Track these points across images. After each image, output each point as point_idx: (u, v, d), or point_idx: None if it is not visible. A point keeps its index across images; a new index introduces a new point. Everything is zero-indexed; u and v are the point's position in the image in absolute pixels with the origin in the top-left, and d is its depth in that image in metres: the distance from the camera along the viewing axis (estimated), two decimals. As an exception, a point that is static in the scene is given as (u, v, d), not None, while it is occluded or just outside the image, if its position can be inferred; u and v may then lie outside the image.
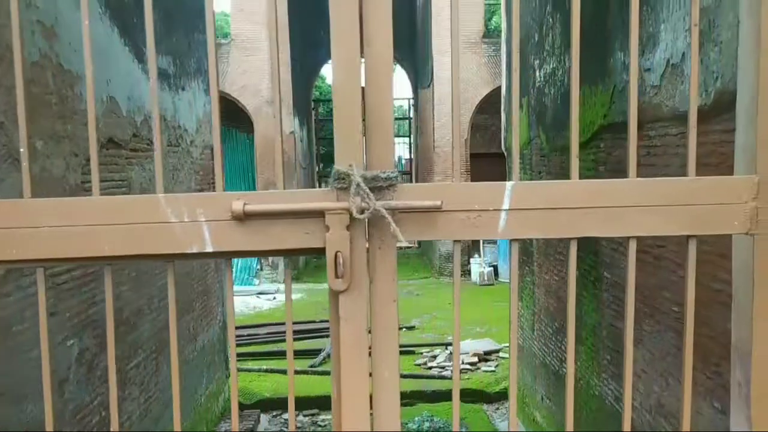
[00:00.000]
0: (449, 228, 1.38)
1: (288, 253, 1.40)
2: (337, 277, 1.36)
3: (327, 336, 9.80)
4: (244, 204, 1.33)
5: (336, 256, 1.35)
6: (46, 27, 3.13)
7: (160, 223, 1.35)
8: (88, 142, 3.83)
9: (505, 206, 1.38)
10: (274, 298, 13.09)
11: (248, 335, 9.57)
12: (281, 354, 9.04)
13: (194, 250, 1.36)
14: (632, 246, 1.39)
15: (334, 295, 1.39)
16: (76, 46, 3.42)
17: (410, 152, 21.65)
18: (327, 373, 8.24)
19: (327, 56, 19.58)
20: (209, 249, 1.36)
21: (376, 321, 1.40)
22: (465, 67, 14.71)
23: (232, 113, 14.26)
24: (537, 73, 5.85)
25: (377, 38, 1.34)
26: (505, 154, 7.15)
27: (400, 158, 28.46)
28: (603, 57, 4.14)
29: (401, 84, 21.92)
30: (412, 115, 21.50)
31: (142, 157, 4.53)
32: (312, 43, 17.10)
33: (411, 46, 18.12)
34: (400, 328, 10.58)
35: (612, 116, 4.10)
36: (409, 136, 21.80)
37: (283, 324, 10.41)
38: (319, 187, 20.85)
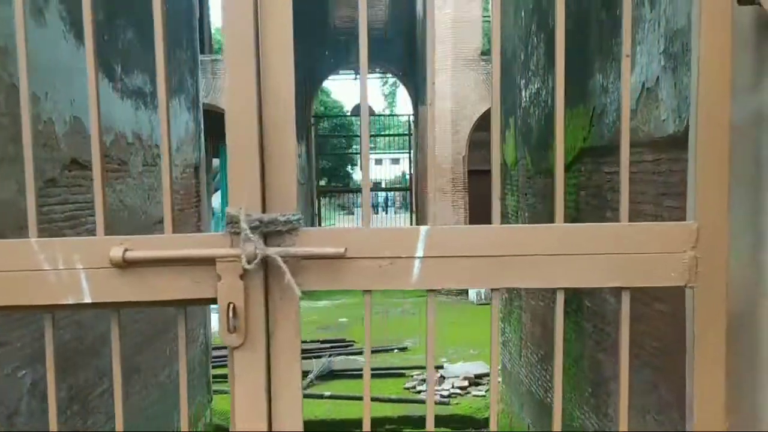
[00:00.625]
0: (357, 277, 1.25)
1: (177, 304, 1.27)
2: (230, 331, 1.23)
3: (317, 357, 9.63)
4: (125, 250, 1.20)
5: (228, 308, 1.22)
6: (-2, 46, 3.03)
7: (32, 271, 1.22)
8: (46, 163, 3.67)
9: (419, 253, 1.25)
10: (268, 316, 12.91)
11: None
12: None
13: (71, 301, 1.23)
14: (560, 298, 1.25)
15: (230, 351, 1.25)
16: (34, 66, 3.31)
17: (410, 168, 21.68)
18: (312, 396, 8.06)
19: (327, 72, 19.70)
20: (87, 300, 1.22)
21: (276, 380, 1.26)
22: (463, 84, 14.65)
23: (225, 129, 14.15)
24: (523, 93, 5.72)
25: (276, 59, 1.22)
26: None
27: (404, 173, 29.21)
28: (583, 79, 4.01)
29: (403, 101, 22.26)
30: (412, 132, 21.53)
31: (112, 177, 4.41)
32: (313, 58, 17.04)
33: (412, 62, 18.07)
34: (393, 350, 10.31)
35: (592, 139, 3.96)
36: (410, 152, 21.81)
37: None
38: (318, 203, 21.05)
